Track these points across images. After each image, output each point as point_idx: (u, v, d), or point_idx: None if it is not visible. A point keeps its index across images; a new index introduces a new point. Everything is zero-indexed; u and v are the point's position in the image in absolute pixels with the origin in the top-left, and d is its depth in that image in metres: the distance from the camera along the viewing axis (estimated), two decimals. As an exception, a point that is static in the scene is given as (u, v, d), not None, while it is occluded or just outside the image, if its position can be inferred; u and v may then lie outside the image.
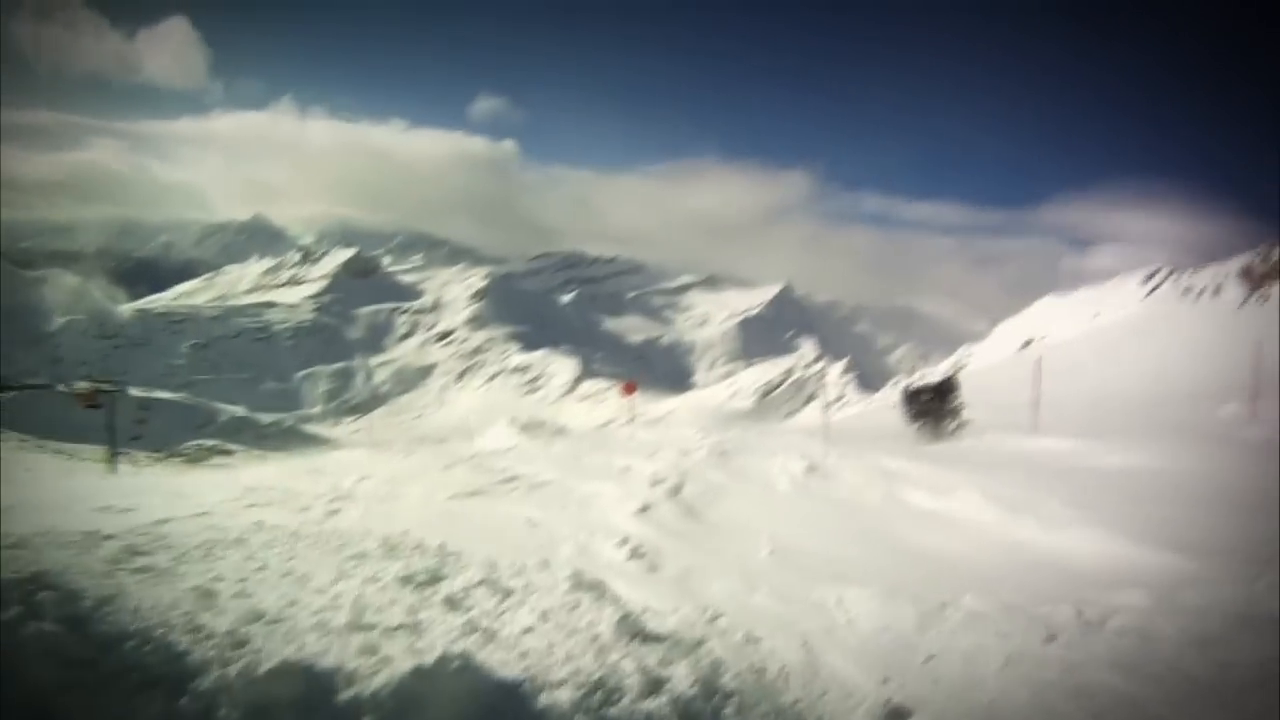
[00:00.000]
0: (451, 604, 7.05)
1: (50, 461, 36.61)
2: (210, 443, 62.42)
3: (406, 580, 7.71)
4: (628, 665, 5.60)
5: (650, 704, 5.04)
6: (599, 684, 5.19)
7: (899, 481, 12.67)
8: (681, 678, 5.51)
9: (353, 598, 6.98)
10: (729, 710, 5.32)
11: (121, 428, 42.59)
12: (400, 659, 5.16)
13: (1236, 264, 71.25)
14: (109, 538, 10.12)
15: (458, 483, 15.36)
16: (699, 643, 6.60)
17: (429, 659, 4.62)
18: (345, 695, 4.29)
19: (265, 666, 4.27)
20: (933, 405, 20.76)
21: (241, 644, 5.31)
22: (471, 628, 6.41)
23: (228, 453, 55.91)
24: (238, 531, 10.90)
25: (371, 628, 6.20)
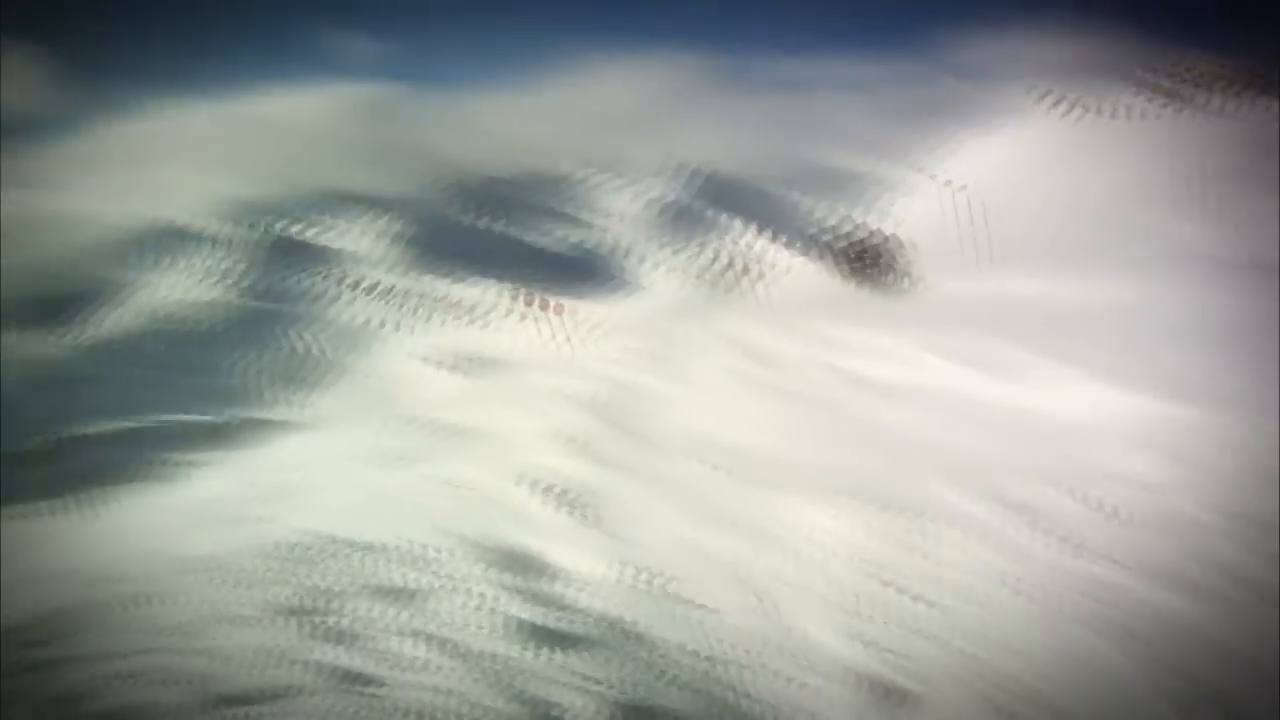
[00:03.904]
0: (338, 638, 5.92)
1: (17, 528, 35.07)
2: (175, 456, 60.42)
3: (296, 611, 6.56)
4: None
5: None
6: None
7: (849, 355, 11.08)
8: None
9: (222, 660, 5.90)
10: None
11: (75, 471, 40.69)
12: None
13: (1146, 78, 71.12)
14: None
15: (388, 449, 14.19)
16: (628, 635, 5.45)
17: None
18: None
19: None
20: (869, 260, 19.56)
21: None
22: (347, 680, 5.26)
23: (194, 463, 54.01)
24: (153, 578, 9.82)
25: (229, 704, 5.15)
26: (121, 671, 6.29)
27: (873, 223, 20.83)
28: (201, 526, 13.24)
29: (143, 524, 16.77)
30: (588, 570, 6.53)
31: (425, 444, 13.72)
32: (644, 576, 6.28)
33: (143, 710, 5.42)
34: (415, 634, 5.77)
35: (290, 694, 5.20)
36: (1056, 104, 73.18)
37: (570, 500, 8.18)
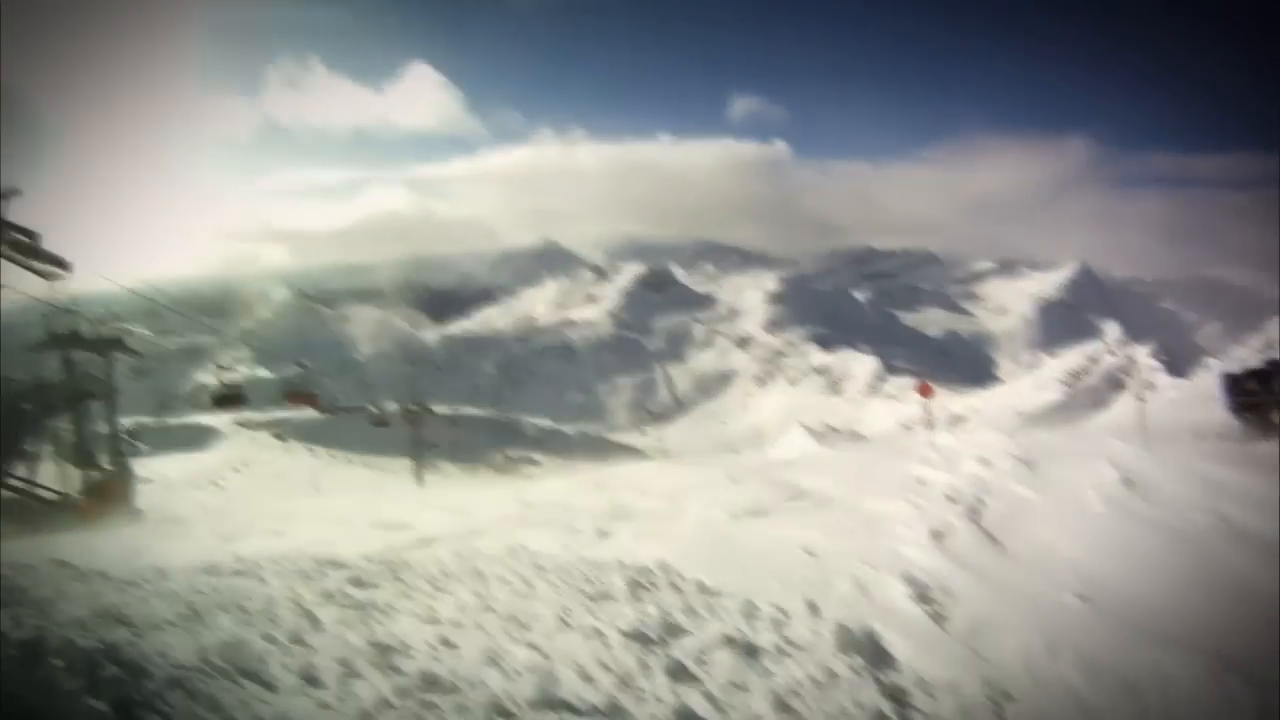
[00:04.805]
0: (676, 673, 5.76)
1: (357, 474, 38.68)
2: (518, 453, 64.68)
3: (636, 636, 6.53)
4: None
5: None
6: None
7: (1230, 499, 9.78)
8: None
9: (554, 660, 5.97)
10: None
11: (428, 443, 44.03)
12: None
13: None
14: (339, 566, 9.80)
15: (741, 500, 14.15)
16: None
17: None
18: None
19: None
20: (1259, 394, 17.56)
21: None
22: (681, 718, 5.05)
23: (534, 462, 57.54)
24: (486, 559, 10.34)
25: (555, 708, 5.09)
26: (444, 638, 6.55)
27: (1259, 350, 18.67)
28: (539, 523, 13.82)
29: (481, 504, 17.78)
30: (933, 672, 6.06)
31: (777, 503, 13.54)
32: (986, 692, 5.73)
33: (455, 681, 5.49)
34: (753, 691, 5.54)
35: (620, 717, 5.09)
36: None
37: (925, 596, 7.68)
